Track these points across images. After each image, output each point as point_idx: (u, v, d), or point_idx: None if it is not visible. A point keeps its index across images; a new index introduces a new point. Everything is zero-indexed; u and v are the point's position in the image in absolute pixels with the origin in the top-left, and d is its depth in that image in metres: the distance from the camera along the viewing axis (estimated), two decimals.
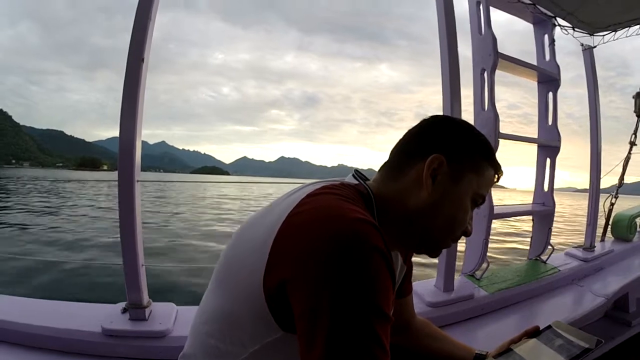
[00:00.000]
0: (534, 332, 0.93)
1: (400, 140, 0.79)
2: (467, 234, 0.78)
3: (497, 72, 1.96)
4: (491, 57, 1.93)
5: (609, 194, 3.07)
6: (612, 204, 3.07)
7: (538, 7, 2.17)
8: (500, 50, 1.94)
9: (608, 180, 3.05)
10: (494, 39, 1.93)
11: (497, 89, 1.96)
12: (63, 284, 4.81)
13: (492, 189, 0.84)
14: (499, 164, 0.78)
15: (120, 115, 1.31)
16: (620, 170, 3.14)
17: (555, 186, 2.42)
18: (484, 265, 2.01)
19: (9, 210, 13.03)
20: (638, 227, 3.17)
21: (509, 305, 1.93)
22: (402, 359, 1.01)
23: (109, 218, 11.78)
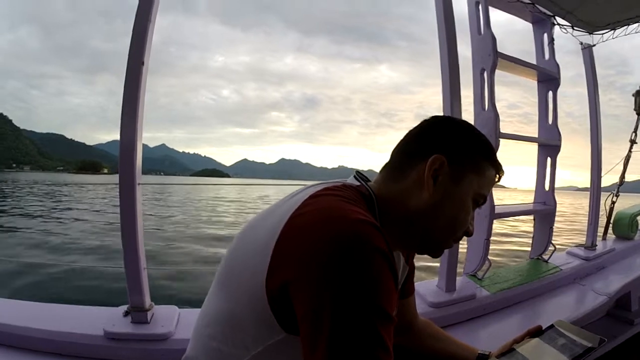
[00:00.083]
0: (537, 332, 0.93)
1: (401, 141, 0.79)
2: (468, 234, 0.78)
3: (497, 71, 1.96)
4: (491, 57, 1.93)
5: (610, 193, 3.07)
6: (613, 203, 3.06)
7: (537, 6, 2.17)
8: (499, 49, 1.94)
9: (609, 178, 3.05)
10: (494, 39, 1.92)
11: (497, 89, 1.96)
12: (48, 286, 4.84)
13: (493, 188, 0.84)
14: (499, 164, 0.78)
15: (120, 119, 1.31)
16: (621, 168, 3.14)
17: (556, 185, 2.42)
18: (486, 265, 2.01)
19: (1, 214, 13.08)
20: (639, 225, 3.17)
21: (511, 305, 1.93)
22: None
23: (98, 221, 11.86)
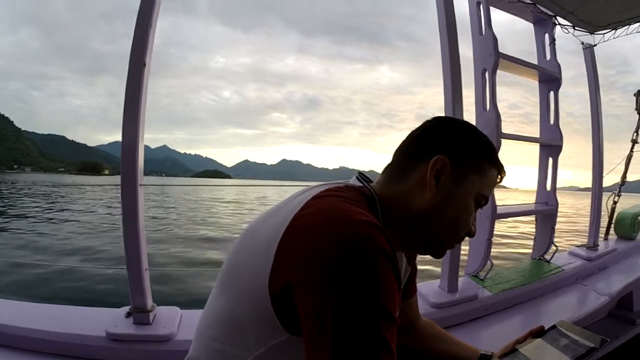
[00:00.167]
0: (539, 332, 0.93)
1: (403, 142, 0.79)
2: (470, 234, 0.78)
3: (498, 72, 1.96)
4: (492, 57, 1.93)
5: (611, 193, 3.07)
6: (614, 203, 3.06)
7: (538, 6, 2.17)
8: (500, 50, 1.94)
9: (610, 178, 3.04)
10: (495, 39, 1.93)
11: (498, 89, 1.96)
12: (48, 286, 4.85)
13: (495, 189, 0.84)
14: (501, 165, 0.78)
15: (122, 120, 1.31)
16: (623, 168, 3.13)
17: (558, 185, 2.41)
18: (488, 265, 2.01)
19: None
20: None
21: (513, 306, 1.93)
22: None
23: (85, 222, 11.85)
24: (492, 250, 2.01)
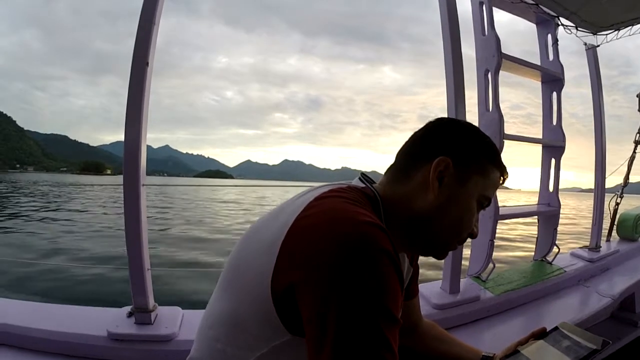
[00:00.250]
0: (541, 334, 0.93)
1: (406, 143, 0.79)
2: (473, 236, 0.78)
3: (501, 72, 1.96)
4: (495, 58, 1.93)
5: (614, 194, 3.06)
6: (617, 204, 3.05)
7: (541, 7, 2.17)
8: (503, 50, 1.94)
9: (613, 179, 3.04)
10: (498, 40, 1.92)
11: (501, 90, 1.96)
12: (49, 286, 4.86)
13: (497, 190, 0.84)
14: (504, 166, 0.78)
15: (125, 120, 1.31)
16: (625, 169, 3.13)
17: (560, 186, 2.41)
18: (490, 266, 2.00)
19: None
20: None
21: (515, 307, 1.93)
22: None
23: (78, 221, 11.89)
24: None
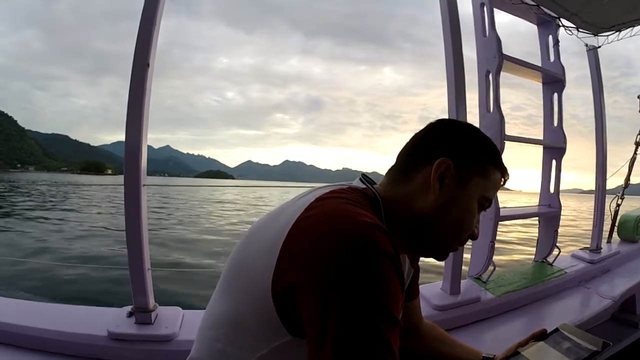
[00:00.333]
0: (542, 335, 0.93)
1: (407, 144, 0.79)
2: (474, 237, 0.78)
3: (502, 73, 1.96)
4: (496, 59, 1.92)
5: (615, 195, 3.06)
6: (618, 205, 3.05)
7: (542, 8, 2.17)
8: (504, 51, 1.94)
9: (614, 181, 3.03)
10: (499, 41, 1.92)
11: (502, 91, 1.96)
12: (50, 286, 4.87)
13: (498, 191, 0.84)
14: (505, 167, 0.78)
15: (126, 120, 1.31)
16: (626, 170, 3.12)
17: (561, 188, 2.41)
18: (490, 268, 2.00)
19: None
20: None
21: (516, 308, 1.92)
22: None
23: (69, 220, 11.89)
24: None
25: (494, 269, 2.02)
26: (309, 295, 0.55)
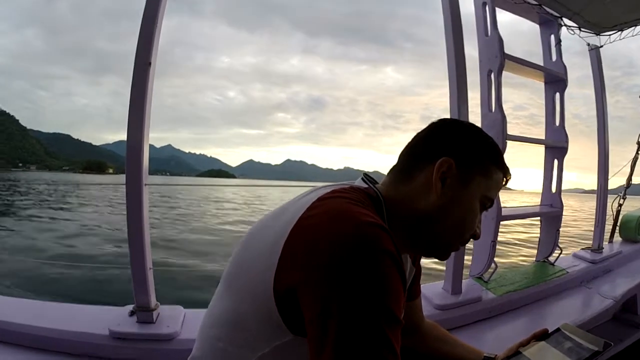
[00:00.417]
0: (543, 335, 0.93)
1: (409, 144, 0.79)
2: (475, 237, 0.78)
3: (504, 73, 1.96)
4: (498, 59, 1.92)
5: (617, 195, 3.05)
6: (620, 205, 3.04)
7: (544, 7, 2.17)
8: (506, 51, 1.94)
9: (616, 181, 3.03)
10: (501, 40, 1.92)
11: (504, 90, 1.96)
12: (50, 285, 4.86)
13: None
14: (507, 167, 0.78)
15: (127, 119, 1.31)
16: (628, 170, 3.12)
17: (563, 187, 2.40)
18: (492, 267, 2.00)
19: None
20: None
21: (517, 308, 1.92)
22: None
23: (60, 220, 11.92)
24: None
25: (496, 268, 2.01)
26: (310, 294, 0.55)
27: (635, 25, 2.28)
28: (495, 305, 1.83)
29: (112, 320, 1.35)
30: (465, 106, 1.76)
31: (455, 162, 0.72)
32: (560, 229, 2.40)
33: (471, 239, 0.78)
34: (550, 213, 2.39)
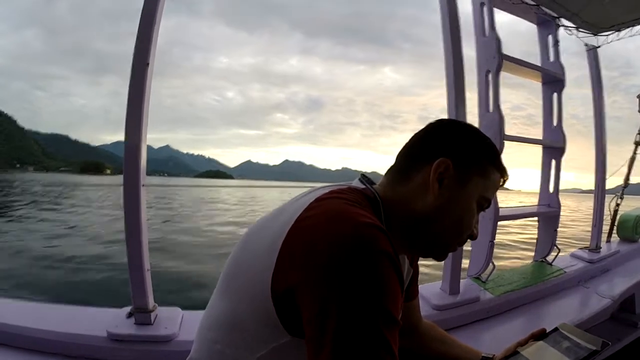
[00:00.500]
0: (541, 335, 0.93)
1: (407, 144, 0.79)
2: (473, 237, 0.78)
3: (502, 73, 1.96)
4: (495, 59, 1.92)
5: (614, 195, 3.06)
6: (617, 205, 3.05)
7: (542, 8, 2.17)
8: (503, 51, 1.94)
9: (613, 180, 3.03)
10: (498, 41, 1.92)
11: (501, 91, 1.96)
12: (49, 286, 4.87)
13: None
14: (504, 168, 0.78)
15: (125, 120, 1.31)
16: (626, 170, 3.13)
17: (561, 187, 2.41)
18: (490, 267, 2.00)
19: None
20: None
21: (515, 308, 1.92)
22: None
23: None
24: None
25: (494, 268, 2.02)
26: (308, 295, 0.55)
27: (633, 26, 2.29)
28: (493, 306, 1.83)
29: (109, 322, 1.34)
30: (463, 106, 1.76)
31: (453, 162, 0.72)
32: (558, 230, 2.40)
33: (469, 239, 0.78)
34: (547, 213, 2.39)
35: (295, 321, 0.58)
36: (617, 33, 2.38)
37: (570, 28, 2.31)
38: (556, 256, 2.41)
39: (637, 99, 3.05)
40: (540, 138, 2.42)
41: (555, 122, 2.39)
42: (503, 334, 1.70)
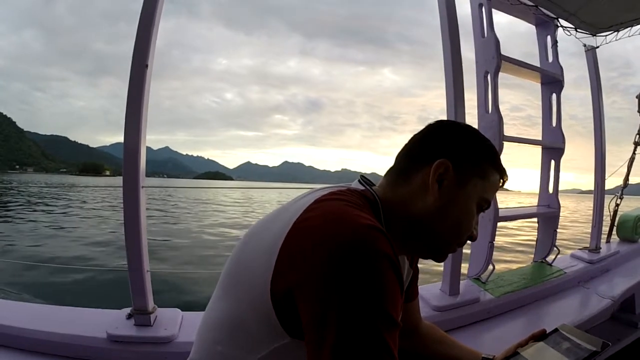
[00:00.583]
0: (541, 335, 0.93)
1: (406, 145, 0.79)
2: (472, 238, 0.78)
3: (500, 74, 1.96)
4: (494, 60, 1.93)
5: (614, 195, 3.06)
6: (617, 205, 3.05)
7: (540, 8, 2.17)
8: (502, 52, 1.94)
9: (613, 181, 3.03)
10: (497, 42, 1.92)
11: (500, 91, 1.96)
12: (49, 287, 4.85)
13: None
14: (504, 169, 0.78)
15: (124, 121, 1.31)
16: (625, 170, 3.13)
17: (560, 188, 2.41)
18: (490, 268, 2.00)
19: None
20: None
21: (515, 309, 1.92)
22: None
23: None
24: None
25: (493, 269, 2.01)
26: (307, 297, 0.55)
27: (632, 26, 2.29)
28: (493, 306, 1.83)
29: (109, 323, 1.34)
30: (462, 107, 1.76)
31: (452, 163, 0.72)
32: (557, 230, 2.40)
33: (468, 241, 0.78)
34: (547, 214, 2.39)
35: (295, 323, 0.58)
36: (615, 33, 2.39)
37: (568, 28, 2.31)
38: (556, 257, 2.41)
39: (637, 99, 3.05)
40: (540, 139, 2.42)
41: (554, 123, 2.39)
42: (503, 334, 1.69)
